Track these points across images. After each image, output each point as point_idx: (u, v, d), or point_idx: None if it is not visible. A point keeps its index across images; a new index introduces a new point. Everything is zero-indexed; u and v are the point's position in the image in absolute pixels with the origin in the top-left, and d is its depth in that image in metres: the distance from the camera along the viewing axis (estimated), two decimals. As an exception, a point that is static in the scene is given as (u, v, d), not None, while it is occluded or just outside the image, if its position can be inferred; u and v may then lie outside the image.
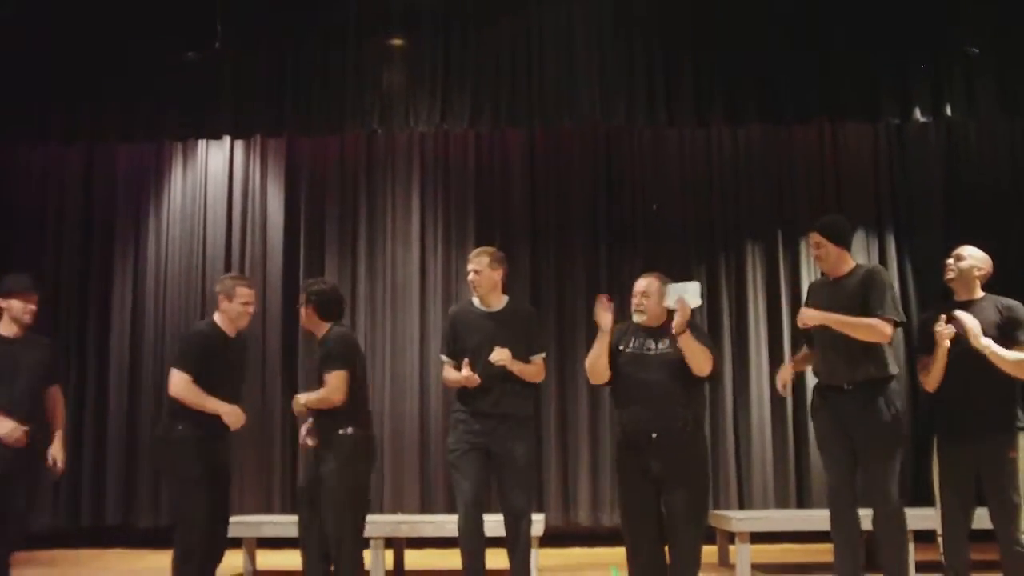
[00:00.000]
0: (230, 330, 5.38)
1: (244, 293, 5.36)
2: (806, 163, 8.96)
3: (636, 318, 4.89)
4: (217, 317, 5.39)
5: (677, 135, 8.96)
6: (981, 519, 4.93)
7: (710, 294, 8.72)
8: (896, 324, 4.89)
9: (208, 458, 5.19)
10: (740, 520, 6.93)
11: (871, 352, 4.87)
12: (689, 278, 8.16)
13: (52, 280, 8.85)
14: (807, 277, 8.57)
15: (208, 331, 5.39)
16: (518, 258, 8.78)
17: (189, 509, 5.14)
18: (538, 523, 6.78)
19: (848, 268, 5.05)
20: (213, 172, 9.05)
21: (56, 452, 5.43)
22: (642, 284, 4.92)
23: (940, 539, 4.98)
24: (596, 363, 4.87)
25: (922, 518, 6.50)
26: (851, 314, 4.86)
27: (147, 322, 8.85)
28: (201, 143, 9.00)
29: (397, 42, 7.99)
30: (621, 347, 4.86)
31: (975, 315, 4.85)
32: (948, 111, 7.78)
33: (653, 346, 4.83)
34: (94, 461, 8.65)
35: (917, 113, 7.80)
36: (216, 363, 5.26)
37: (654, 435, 4.68)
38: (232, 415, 5.19)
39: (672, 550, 4.75)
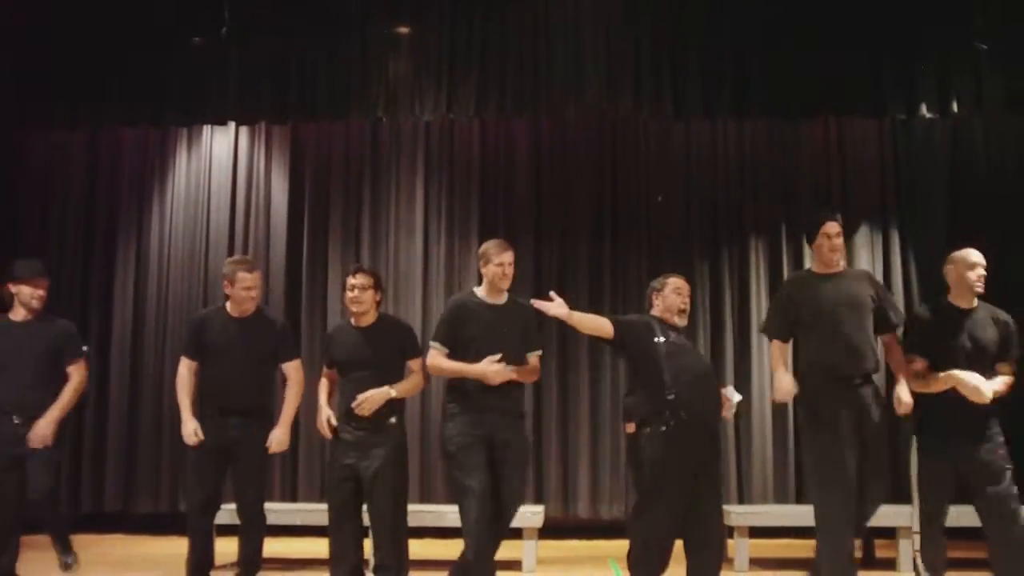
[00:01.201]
0: (238, 313, 5.42)
1: (244, 278, 5.37)
2: (812, 158, 8.93)
3: (681, 320, 5.00)
4: (228, 303, 5.47)
5: (683, 127, 8.93)
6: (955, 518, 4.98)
7: (713, 287, 8.74)
8: None
9: (210, 436, 5.24)
10: (739, 514, 6.93)
11: (873, 347, 5.01)
12: (691, 272, 8.18)
13: (55, 265, 8.84)
14: (810, 272, 8.56)
15: (204, 315, 5.58)
16: (521, 248, 8.73)
17: (187, 486, 5.36)
18: (537, 515, 6.80)
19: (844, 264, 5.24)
20: (217, 158, 9.04)
21: (39, 425, 5.45)
22: (687, 287, 5.06)
23: (916, 536, 5.00)
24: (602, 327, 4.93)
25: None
26: (868, 307, 5.00)
27: (149, 308, 8.85)
28: (206, 129, 8.99)
29: (403, 30, 8.00)
30: (659, 339, 4.86)
31: (974, 328, 4.92)
32: (954, 108, 7.78)
33: (686, 342, 4.97)
34: (94, 447, 8.66)
35: (923, 109, 7.81)
36: (213, 346, 5.36)
37: (706, 424, 4.75)
38: (185, 427, 5.26)
39: (705, 540, 4.74)
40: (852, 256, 8.65)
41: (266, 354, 5.46)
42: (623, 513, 8.38)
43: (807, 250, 8.57)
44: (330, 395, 5.37)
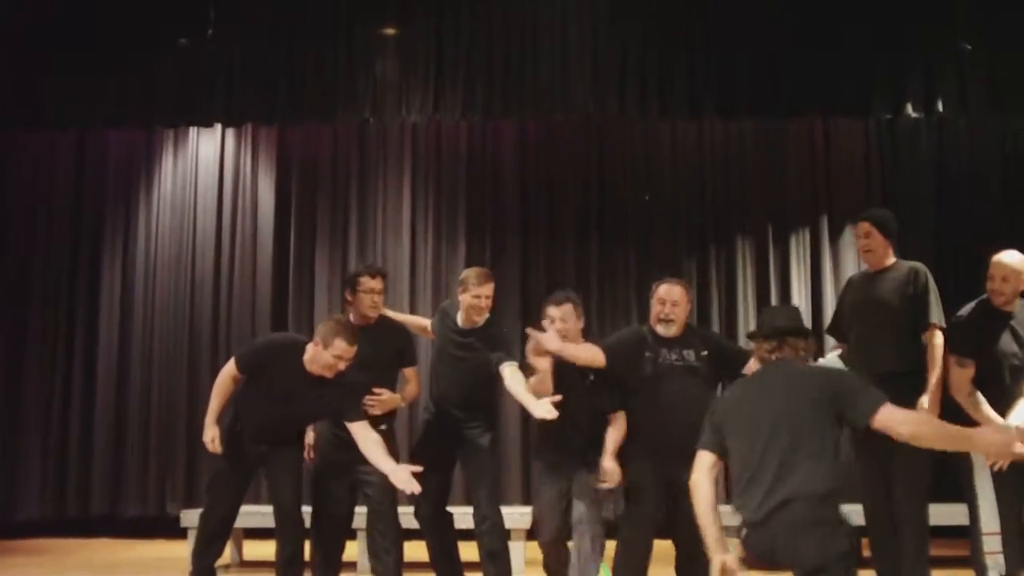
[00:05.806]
0: (311, 368, 4.86)
1: (342, 348, 4.75)
2: (798, 158, 8.94)
3: (664, 330, 4.77)
4: (307, 352, 4.89)
5: (669, 128, 8.94)
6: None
7: (699, 288, 8.70)
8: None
9: (238, 449, 4.97)
10: (732, 515, 6.92)
11: (914, 343, 4.93)
12: (678, 272, 8.14)
13: (41, 267, 8.84)
14: (796, 272, 8.60)
15: (282, 348, 5.03)
16: (508, 250, 8.78)
17: (209, 498, 5.11)
18: (525, 516, 6.79)
19: (890, 262, 5.11)
20: (204, 160, 9.02)
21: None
22: (674, 293, 4.80)
23: (988, 537, 5.00)
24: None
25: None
26: (891, 306, 4.94)
27: (136, 309, 8.82)
28: (192, 131, 8.97)
29: (390, 31, 7.98)
30: (648, 354, 4.73)
31: (1016, 327, 4.87)
32: (940, 107, 7.79)
33: (679, 357, 4.76)
34: (80, 451, 8.62)
35: (909, 109, 7.80)
36: (271, 382, 4.91)
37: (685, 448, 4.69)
38: (207, 433, 4.90)
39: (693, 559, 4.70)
40: (838, 256, 8.69)
41: (318, 415, 5.08)
42: (611, 513, 8.37)
43: (794, 250, 8.69)
44: None
